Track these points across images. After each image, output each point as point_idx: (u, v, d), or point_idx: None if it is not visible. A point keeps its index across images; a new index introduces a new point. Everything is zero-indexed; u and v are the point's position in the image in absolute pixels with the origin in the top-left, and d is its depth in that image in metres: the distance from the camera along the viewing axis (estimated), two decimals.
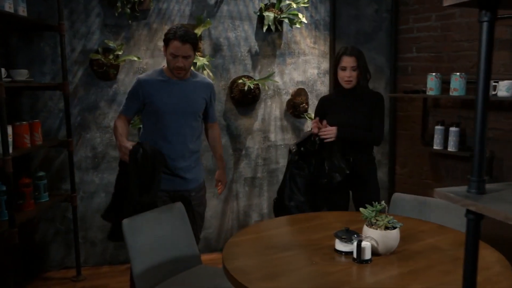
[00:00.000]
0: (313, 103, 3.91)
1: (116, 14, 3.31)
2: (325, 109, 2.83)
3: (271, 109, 3.81)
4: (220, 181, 2.75)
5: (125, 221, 2.19)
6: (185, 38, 2.34)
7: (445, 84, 3.49)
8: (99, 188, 3.50)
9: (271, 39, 3.73)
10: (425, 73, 3.74)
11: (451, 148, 3.40)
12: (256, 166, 3.84)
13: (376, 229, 1.85)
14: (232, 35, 3.62)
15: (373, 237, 1.83)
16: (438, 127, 3.50)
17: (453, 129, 3.39)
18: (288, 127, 3.87)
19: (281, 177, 3.88)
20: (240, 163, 3.79)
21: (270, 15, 3.51)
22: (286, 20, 3.58)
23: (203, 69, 3.38)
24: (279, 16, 3.57)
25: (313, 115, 3.75)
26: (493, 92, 3.09)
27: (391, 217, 1.87)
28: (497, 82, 3.07)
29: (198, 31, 3.39)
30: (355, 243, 1.80)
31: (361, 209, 1.94)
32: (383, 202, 1.89)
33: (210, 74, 3.42)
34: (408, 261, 1.80)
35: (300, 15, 3.52)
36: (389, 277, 1.67)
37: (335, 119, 2.71)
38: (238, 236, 2.06)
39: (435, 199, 2.59)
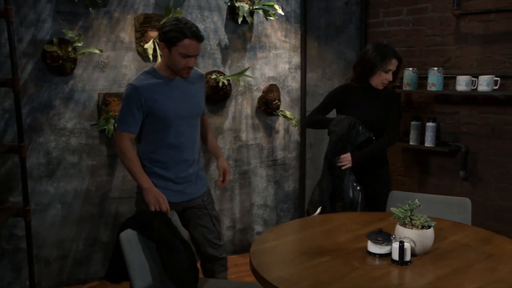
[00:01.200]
0: (285, 99, 3.90)
1: (72, 0, 3.05)
2: (344, 99, 2.88)
3: (242, 107, 3.74)
4: (225, 169, 2.53)
5: (124, 236, 2.02)
6: (200, 36, 2.22)
7: (419, 79, 3.66)
8: (54, 199, 3.21)
9: (241, 31, 3.66)
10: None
11: (428, 143, 3.57)
12: None
13: (411, 228, 1.88)
14: (200, 27, 3.50)
15: (410, 237, 1.85)
16: (414, 123, 3.65)
17: (430, 124, 3.56)
18: (260, 125, 3.83)
19: (253, 179, 3.85)
20: (210, 165, 3.68)
21: (244, 6, 3.44)
22: (260, 12, 3.53)
23: None
24: (251, 7, 3.51)
25: (286, 113, 3.76)
26: (473, 87, 3.28)
27: (426, 215, 1.91)
28: (477, 77, 3.27)
29: None
30: (396, 245, 1.81)
31: (392, 208, 1.96)
32: (416, 201, 1.92)
33: None
34: (445, 260, 1.84)
35: (277, 6, 3.49)
36: (438, 278, 1.69)
37: (350, 113, 2.79)
38: (258, 244, 1.99)
39: (433, 195, 2.71)
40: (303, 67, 3.90)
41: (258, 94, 3.78)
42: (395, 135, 2.84)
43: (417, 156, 3.85)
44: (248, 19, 3.49)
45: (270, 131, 3.88)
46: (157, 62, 2.45)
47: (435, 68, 3.41)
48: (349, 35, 4.04)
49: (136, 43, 3.30)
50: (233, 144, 3.75)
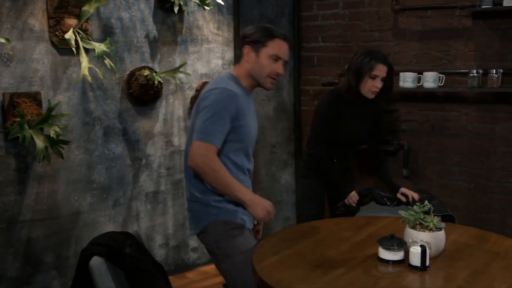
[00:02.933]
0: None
1: None
2: (337, 113, 2.84)
3: (174, 108, 3.54)
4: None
5: (94, 264, 1.81)
6: (287, 37, 2.14)
7: None
8: None
9: (171, 22, 3.46)
10: (333, 64, 3.99)
11: None
12: (158, 177, 3.52)
13: (424, 231, 1.91)
14: (125, 15, 3.23)
15: (426, 241, 1.87)
16: None
17: None
18: None
19: None
20: (140, 175, 3.42)
21: None
22: (195, 0, 3.36)
23: (103, 58, 2.93)
24: None
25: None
26: (418, 84, 3.49)
27: (436, 217, 1.96)
28: (422, 73, 3.48)
29: (90, 8, 2.92)
30: (415, 250, 1.82)
31: (400, 212, 1.98)
32: (426, 202, 1.96)
33: (112, 65, 2.98)
34: (459, 261, 1.91)
35: None
36: (466, 281, 1.74)
37: (343, 133, 2.83)
38: (259, 261, 1.89)
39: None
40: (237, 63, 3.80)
41: (190, 93, 3.61)
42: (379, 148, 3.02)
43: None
44: (185, 8, 3.30)
45: None
46: (235, 68, 2.21)
47: None
48: (282, 29, 4.03)
49: (50, 32, 2.93)
50: (165, 150, 3.53)
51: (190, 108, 3.61)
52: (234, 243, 2.05)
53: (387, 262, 1.88)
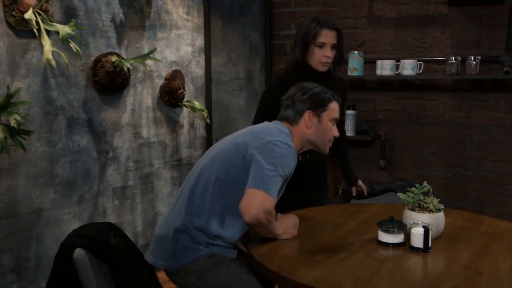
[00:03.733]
0: (189, 88, 3.71)
1: None
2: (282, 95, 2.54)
3: (142, 97, 3.44)
4: None
5: (78, 256, 1.73)
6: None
7: None
8: None
9: (138, 5, 3.36)
10: None
11: (348, 132, 3.73)
12: (126, 171, 3.41)
13: (424, 213, 1.92)
14: None
15: (426, 222, 1.88)
16: None
17: (349, 112, 3.73)
18: (163, 119, 3.57)
19: (156, 183, 3.59)
20: (106, 169, 3.30)
21: None
22: None
23: (68, 41, 2.80)
24: None
25: (195, 104, 3.58)
26: (397, 71, 3.53)
27: (435, 198, 1.97)
28: (399, 61, 3.53)
29: None
30: (417, 231, 1.83)
31: (399, 194, 1.99)
32: (425, 183, 1.97)
33: (78, 49, 2.86)
34: (459, 243, 1.94)
35: None
36: (471, 261, 1.76)
37: None
38: (256, 248, 1.87)
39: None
40: (208, 51, 3.75)
41: (159, 81, 3.52)
42: (344, 133, 2.82)
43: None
44: None
45: (173, 125, 3.65)
46: (291, 128, 2.06)
47: (356, 52, 3.58)
48: (254, 16, 4.01)
49: (6, 11, 2.77)
50: (133, 142, 3.42)
51: (160, 97, 3.52)
52: (227, 269, 1.91)
53: (387, 245, 1.88)
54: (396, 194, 3.11)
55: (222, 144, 2.05)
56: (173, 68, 3.57)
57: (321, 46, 2.46)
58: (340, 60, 2.56)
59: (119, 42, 3.27)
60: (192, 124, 3.78)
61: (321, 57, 2.47)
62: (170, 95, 3.52)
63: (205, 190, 1.93)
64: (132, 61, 3.19)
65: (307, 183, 2.67)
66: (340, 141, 2.65)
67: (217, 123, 3.91)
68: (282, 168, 1.85)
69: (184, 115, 3.70)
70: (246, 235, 2.00)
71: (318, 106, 2.03)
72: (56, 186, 3.03)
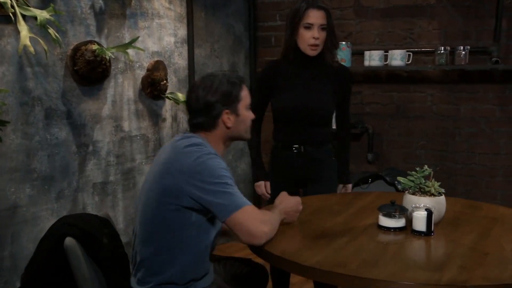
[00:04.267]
0: (171, 80, 3.67)
1: None
2: (272, 84, 2.51)
3: (124, 88, 3.39)
4: None
5: (69, 244, 1.70)
6: None
7: None
8: None
9: None
10: None
11: (333, 126, 3.73)
12: (107, 166, 3.35)
13: (425, 196, 1.93)
14: None
15: (428, 206, 1.89)
16: None
17: None
18: (145, 112, 3.53)
19: (138, 178, 3.53)
20: (86, 164, 3.23)
21: None
22: None
23: (46, 27, 2.73)
24: None
25: (179, 96, 3.54)
26: (385, 62, 3.56)
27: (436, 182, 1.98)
28: (387, 52, 3.56)
29: None
30: (419, 215, 1.84)
31: (399, 178, 1.99)
32: (426, 167, 1.97)
33: (57, 36, 2.79)
34: (461, 227, 1.98)
35: None
36: (475, 243, 1.80)
37: (288, 99, 2.44)
38: None
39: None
40: (191, 41, 3.72)
41: (141, 72, 3.47)
42: (349, 128, 2.65)
43: None
44: None
45: (156, 118, 3.60)
46: (212, 135, 1.95)
47: (344, 43, 3.60)
48: (237, 6, 4.00)
49: None
50: (114, 135, 3.36)
51: (141, 89, 3.47)
52: None
53: (388, 229, 1.90)
54: (385, 182, 3.11)
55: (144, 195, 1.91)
56: (155, 59, 3.52)
57: (309, 27, 2.39)
58: (332, 43, 2.47)
59: (99, 30, 3.22)
60: (175, 118, 3.74)
61: (309, 39, 2.39)
62: (153, 87, 3.47)
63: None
64: (113, 50, 3.14)
65: (309, 179, 2.61)
66: (340, 128, 2.67)
67: None
68: (226, 177, 1.78)
69: (167, 108, 3.66)
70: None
71: (233, 100, 1.90)
72: (33, 182, 2.95)
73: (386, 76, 3.75)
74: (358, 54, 3.74)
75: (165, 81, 3.53)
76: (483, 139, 3.63)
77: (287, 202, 1.98)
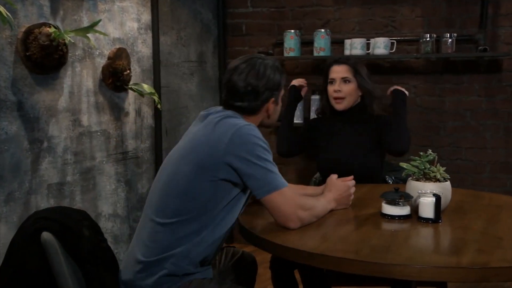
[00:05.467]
0: (135, 70, 3.61)
1: None
2: (312, 137, 2.78)
3: (82, 78, 3.30)
4: None
5: (47, 238, 1.67)
6: None
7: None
8: None
9: None
10: (264, 33, 4.01)
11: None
12: (64, 165, 3.24)
13: (430, 182, 1.96)
14: None
15: (435, 192, 1.91)
16: None
17: (315, 97, 3.77)
18: (106, 105, 3.44)
19: (99, 179, 3.45)
20: (40, 162, 3.12)
21: None
22: None
23: None
24: None
25: (144, 87, 3.51)
26: (367, 51, 3.61)
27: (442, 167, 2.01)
28: (369, 40, 3.61)
29: None
30: (426, 200, 1.86)
31: (402, 164, 2.02)
32: (430, 151, 2.00)
33: (8, 15, 2.69)
34: (468, 214, 2.06)
35: None
36: (486, 229, 1.83)
37: (328, 160, 2.67)
38: (252, 228, 1.92)
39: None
40: (155, 28, 3.67)
41: (102, 61, 3.39)
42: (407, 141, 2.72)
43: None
44: None
45: (118, 112, 3.52)
46: (250, 119, 2.06)
47: (323, 30, 3.63)
48: None
49: None
50: (71, 131, 3.27)
51: (102, 79, 3.39)
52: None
53: (393, 217, 1.93)
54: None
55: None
56: (117, 46, 3.45)
57: (332, 82, 2.70)
58: (367, 94, 2.71)
59: (54, 12, 3.13)
60: (138, 112, 3.67)
61: (332, 92, 2.67)
62: (114, 77, 3.40)
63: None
64: (72, 34, 3.05)
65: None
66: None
67: (167, 111, 3.82)
68: (268, 153, 1.90)
69: (130, 100, 3.60)
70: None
71: (277, 88, 2.03)
72: None
73: (367, 66, 3.78)
74: (337, 43, 3.78)
75: (128, 71, 3.46)
76: (468, 132, 3.73)
77: (337, 188, 2.09)
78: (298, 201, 1.88)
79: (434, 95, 3.75)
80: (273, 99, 2.02)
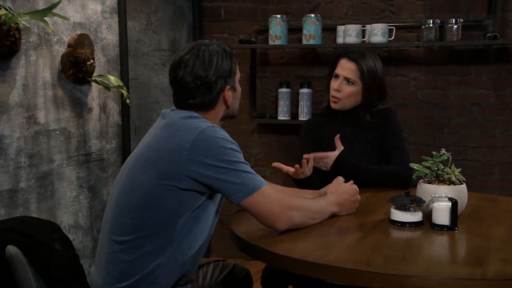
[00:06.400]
0: (99, 59, 3.57)
1: None
2: (318, 139, 2.78)
3: (37, 69, 3.25)
4: None
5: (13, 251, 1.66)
6: None
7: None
8: None
9: None
10: (246, 18, 4.01)
11: (304, 116, 3.76)
12: (17, 169, 3.19)
13: (443, 185, 1.96)
14: None
15: (450, 196, 1.91)
16: (282, 90, 3.80)
17: (304, 90, 3.77)
18: (65, 99, 3.40)
19: (58, 185, 3.41)
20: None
21: None
22: None
23: None
24: None
25: (110, 79, 3.49)
26: (363, 39, 3.61)
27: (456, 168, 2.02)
28: (365, 26, 3.61)
29: None
30: (441, 206, 1.86)
31: (412, 164, 2.03)
32: (443, 150, 2.00)
33: None
34: (486, 220, 2.08)
35: None
36: (509, 236, 1.83)
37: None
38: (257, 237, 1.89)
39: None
40: (122, 11, 3.64)
41: (60, 49, 3.34)
42: (406, 167, 2.51)
43: (286, 136, 4.02)
44: None
45: (80, 108, 3.48)
46: (209, 114, 2.08)
47: (313, 15, 3.64)
48: None
49: None
50: (26, 129, 3.21)
51: (61, 70, 3.35)
52: None
53: (403, 224, 1.94)
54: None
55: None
56: (78, 32, 3.40)
57: (336, 76, 2.67)
58: (368, 100, 2.67)
59: None
60: (103, 108, 3.63)
61: (331, 88, 2.66)
62: (76, 68, 3.34)
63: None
64: (26, 17, 2.99)
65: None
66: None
67: (135, 107, 3.79)
68: (236, 153, 1.89)
69: (94, 95, 3.55)
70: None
71: (230, 74, 2.03)
72: None
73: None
74: (329, 30, 3.78)
75: (91, 61, 3.41)
76: (475, 130, 3.75)
77: (341, 191, 2.11)
78: (283, 198, 1.89)
79: (437, 88, 3.77)
80: (228, 86, 2.01)
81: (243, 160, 1.90)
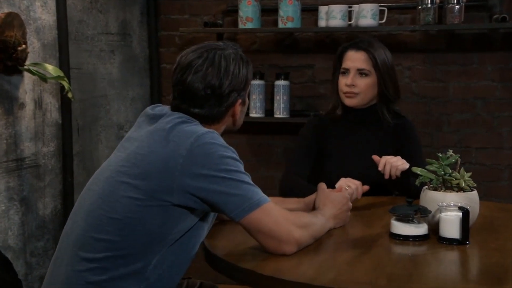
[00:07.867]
0: (32, 44, 3.55)
1: None
2: (321, 143, 2.83)
3: None
4: None
5: None
6: None
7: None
8: None
9: None
10: None
11: (280, 113, 3.80)
12: None
13: (451, 192, 2.01)
14: None
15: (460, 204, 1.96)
16: (255, 82, 3.83)
17: (280, 83, 3.80)
18: None
19: None
20: None
21: None
22: None
23: None
24: None
25: (48, 68, 3.47)
26: (349, 22, 3.66)
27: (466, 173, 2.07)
28: (352, 7, 3.65)
29: None
30: (449, 216, 1.91)
31: (414, 168, 2.08)
32: (451, 151, 2.05)
33: None
34: (501, 233, 2.15)
35: None
36: None
37: (338, 171, 2.65)
38: (247, 259, 1.92)
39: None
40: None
41: None
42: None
43: (259, 136, 4.04)
44: None
45: (9, 104, 3.45)
46: (214, 126, 2.13)
47: None
48: None
49: None
50: None
51: None
52: None
53: (406, 238, 1.97)
54: None
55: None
56: (6, 10, 3.38)
57: (345, 72, 2.79)
58: (384, 93, 2.78)
59: None
60: (39, 103, 3.61)
61: (342, 86, 2.78)
62: (4, 54, 3.32)
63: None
64: None
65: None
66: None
67: (78, 102, 3.77)
68: (237, 163, 1.95)
69: (27, 87, 3.53)
70: None
71: (245, 86, 2.10)
72: None
73: (347, 42, 3.85)
74: (309, 11, 3.82)
75: (23, 46, 3.39)
76: (480, 128, 3.81)
77: (333, 202, 2.17)
78: (290, 216, 1.92)
79: (435, 79, 3.82)
80: (240, 100, 2.07)
81: (243, 170, 1.95)
